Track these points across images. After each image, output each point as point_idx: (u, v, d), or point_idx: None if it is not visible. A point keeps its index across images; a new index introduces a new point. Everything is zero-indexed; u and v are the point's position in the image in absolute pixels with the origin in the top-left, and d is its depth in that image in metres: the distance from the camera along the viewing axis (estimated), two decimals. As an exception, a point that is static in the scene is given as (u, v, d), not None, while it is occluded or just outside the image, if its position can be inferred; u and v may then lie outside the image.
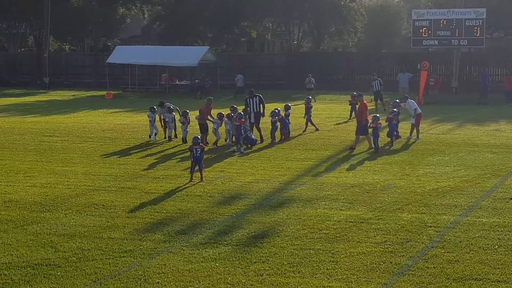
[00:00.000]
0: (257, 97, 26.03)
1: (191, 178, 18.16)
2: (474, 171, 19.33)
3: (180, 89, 51.63)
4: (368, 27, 63.54)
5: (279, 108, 26.30)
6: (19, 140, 25.93)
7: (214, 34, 61.12)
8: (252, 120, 25.55)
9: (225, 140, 24.71)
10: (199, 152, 18.15)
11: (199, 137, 19.20)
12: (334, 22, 59.38)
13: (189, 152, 18.74)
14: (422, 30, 47.15)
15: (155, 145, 24.88)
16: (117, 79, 55.46)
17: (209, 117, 25.04)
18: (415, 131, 25.65)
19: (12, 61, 63.19)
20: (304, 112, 28.49)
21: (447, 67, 51.79)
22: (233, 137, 24.06)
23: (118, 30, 68.60)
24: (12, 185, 17.75)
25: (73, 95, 51.30)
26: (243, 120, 23.99)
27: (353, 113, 32.79)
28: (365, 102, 24.55)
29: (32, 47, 71.07)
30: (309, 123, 28.09)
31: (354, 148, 23.33)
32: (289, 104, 27.43)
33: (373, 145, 23.13)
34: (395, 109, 25.10)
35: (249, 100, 25.94)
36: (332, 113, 36.04)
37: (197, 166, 18.14)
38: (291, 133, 26.36)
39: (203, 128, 24.73)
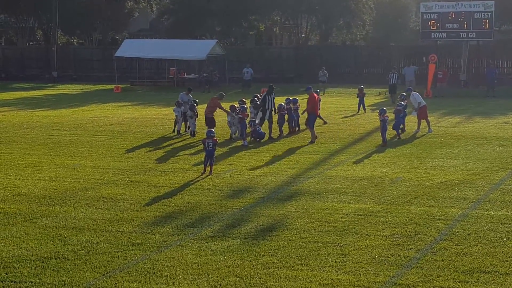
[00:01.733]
0: (273, 94, 25.54)
1: (204, 170, 18.22)
2: (483, 164, 19.30)
3: (188, 83, 51.53)
4: (377, 20, 63.32)
5: (290, 98, 26.31)
6: (28, 134, 26.01)
7: (222, 28, 61.04)
8: (267, 117, 24.61)
9: (233, 134, 24.64)
10: (211, 145, 18.16)
11: (213, 130, 19.16)
12: (342, 15, 59.18)
13: (200, 146, 18.72)
14: (431, 23, 47.01)
15: (164, 138, 24.92)
16: (125, 73, 55.56)
17: (218, 109, 24.76)
18: (424, 123, 25.70)
19: (20, 55, 63.42)
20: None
21: (455, 60, 51.63)
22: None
23: (126, 24, 68.53)
24: (21, 178, 17.82)
25: (82, 89, 51.41)
26: (246, 113, 23.99)
27: (361, 106, 32.84)
28: (314, 94, 24.50)
29: (40, 41, 71.14)
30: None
31: (314, 141, 23.44)
32: (296, 98, 27.37)
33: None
34: (402, 102, 25.10)
35: (268, 97, 24.83)
36: (340, 106, 36.03)
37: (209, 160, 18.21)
38: (300, 126, 26.38)
39: (211, 122, 24.48)
